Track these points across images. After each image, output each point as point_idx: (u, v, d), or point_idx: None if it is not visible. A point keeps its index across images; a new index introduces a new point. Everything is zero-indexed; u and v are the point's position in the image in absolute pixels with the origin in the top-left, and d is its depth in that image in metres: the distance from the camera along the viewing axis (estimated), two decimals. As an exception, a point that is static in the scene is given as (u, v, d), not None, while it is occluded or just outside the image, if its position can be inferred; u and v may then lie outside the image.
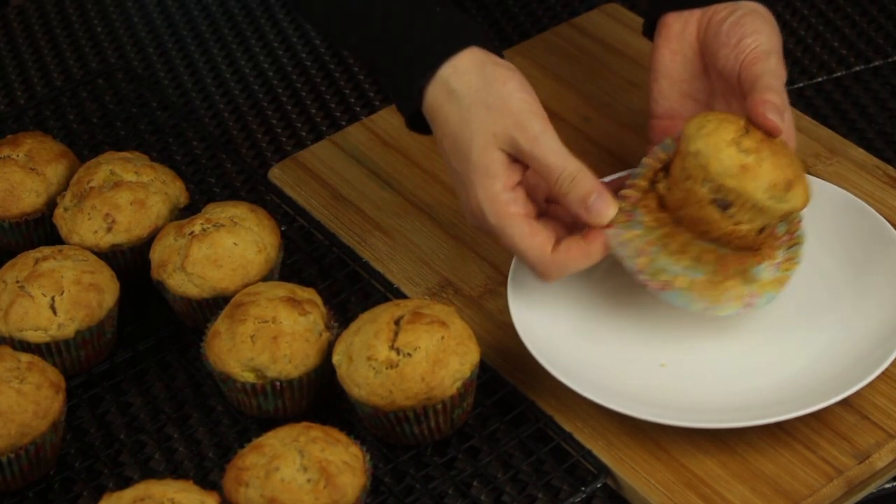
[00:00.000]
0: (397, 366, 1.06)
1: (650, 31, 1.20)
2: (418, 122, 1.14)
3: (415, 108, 1.12)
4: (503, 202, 1.07)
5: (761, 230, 1.09)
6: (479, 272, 1.22)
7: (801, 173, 1.08)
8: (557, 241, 1.08)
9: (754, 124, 1.07)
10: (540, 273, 1.08)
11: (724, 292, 1.10)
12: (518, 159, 1.08)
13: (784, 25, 1.46)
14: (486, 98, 1.08)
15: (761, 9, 1.14)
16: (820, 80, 1.42)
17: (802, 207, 1.08)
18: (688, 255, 1.09)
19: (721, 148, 1.05)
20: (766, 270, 1.11)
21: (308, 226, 1.28)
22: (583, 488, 1.07)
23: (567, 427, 1.10)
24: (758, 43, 1.12)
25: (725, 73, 1.13)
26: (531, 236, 1.07)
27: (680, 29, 1.16)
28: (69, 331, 1.14)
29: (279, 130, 1.42)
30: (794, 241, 1.12)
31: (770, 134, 1.07)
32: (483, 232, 1.11)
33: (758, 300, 1.11)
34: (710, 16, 1.15)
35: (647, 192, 1.10)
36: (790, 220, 1.12)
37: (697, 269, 1.09)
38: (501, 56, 1.12)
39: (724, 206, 1.06)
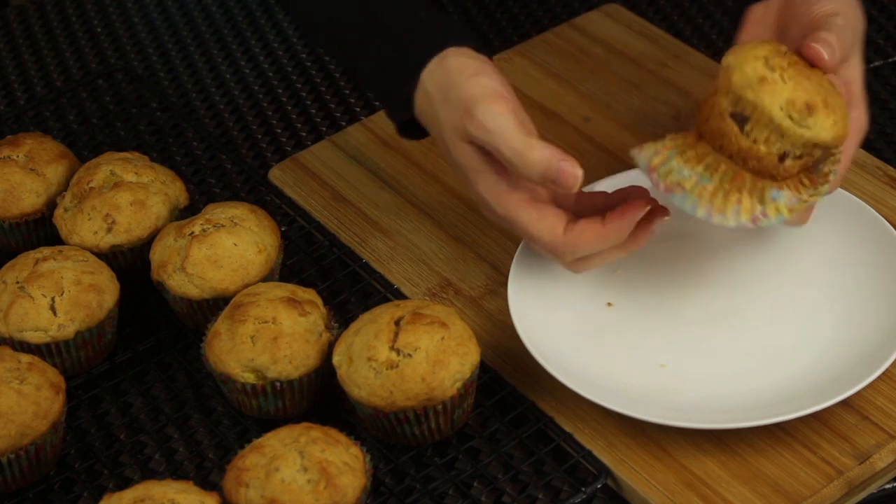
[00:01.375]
0: (397, 366, 1.06)
1: (735, 22, 1.17)
2: (410, 129, 1.14)
3: (405, 115, 1.12)
4: (503, 191, 1.06)
5: (783, 157, 1.05)
6: (480, 272, 1.22)
7: (835, 105, 1.05)
8: (571, 221, 1.06)
9: (799, 53, 1.06)
10: (553, 255, 1.07)
11: (734, 204, 1.05)
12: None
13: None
14: (446, 91, 1.07)
15: None
16: (820, 80, 1.42)
17: (831, 142, 1.04)
18: (703, 163, 1.06)
19: (748, 61, 1.04)
20: (785, 198, 1.06)
21: (308, 226, 1.28)
22: (583, 489, 1.07)
23: (567, 428, 1.10)
24: (825, 8, 1.09)
25: (796, 45, 1.10)
26: (539, 220, 1.06)
27: (761, 14, 1.14)
28: (69, 331, 1.14)
29: (279, 131, 1.42)
30: (823, 180, 1.08)
31: (812, 63, 1.05)
32: (500, 224, 1.10)
33: (766, 219, 1.06)
34: (795, 2, 1.13)
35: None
36: (825, 161, 1.07)
37: (710, 177, 1.06)
38: (489, 55, 1.11)
39: (742, 120, 1.04)
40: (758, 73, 1.03)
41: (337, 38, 1.18)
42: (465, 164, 1.07)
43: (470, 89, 1.06)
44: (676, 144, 1.07)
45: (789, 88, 1.03)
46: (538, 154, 1.03)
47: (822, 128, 1.04)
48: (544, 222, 1.05)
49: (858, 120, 1.10)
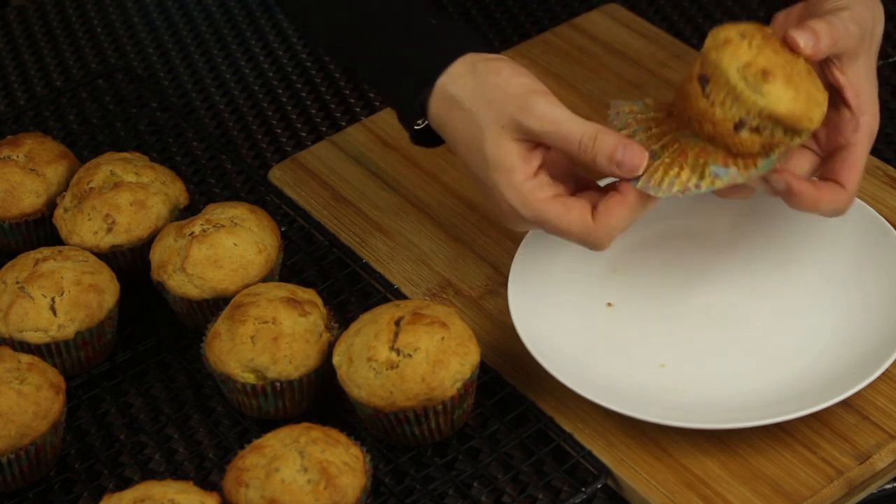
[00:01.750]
0: (398, 367, 1.06)
1: None
2: (422, 137, 1.14)
3: (417, 122, 1.12)
4: (528, 190, 1.06)
5: (738, 126, 1.04)
6: (480, 273, 1.22)
7: (801, 86, 1.04)
8: (594, 207, 1.06)
9: (782, 39, 1.05)
10: (591, 245, 1.07)
11: (671, 177, 1.06)
12: (535, 143, 1.06)
13: (784, 25, 1.46)
14: (484, 93, 1.07)
15: None
16: (820, 80, 1.42)
17: (787, 117, 1.03)
18: (660, 142, 1.07)
19: (725, 28, 1.04)
20: (728, 175, 1.05)
21: (308, 226, 1.28)
22: (583, 489, 1.07)
23: (567, 428, 1.10)
24: (835, 4, 1.08)
25: None
26: (567, 213, 1.05)
27: (783, 20, 1.14)
28: (69, 332, 1.14)
29: (279, 131, 1.42)
30: (768, 153, 1.06)
31: (790, 49, 1.05)
32: (523, 227, 1.09)
33: (696, 189, 1.05)
34: (811, 4, 1.12)
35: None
36: (783, 145, 1.06)
37: (660, 154, 1.07)
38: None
39: (705, 81, 1.04)
40: (727, 35, 1.04)
41: (340, 41, 1.18)
42: (502, 161, 1.06)
43: (517, 87, 1.06)
44: (647, 119, 1.08)
45: (751, 53, 1.03)
46: (609, 137, 1.04)
47: (777, 98, 1.03)
48: (573, 213, 1.05)
49: (869, 125, 1.10)
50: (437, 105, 1.09)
